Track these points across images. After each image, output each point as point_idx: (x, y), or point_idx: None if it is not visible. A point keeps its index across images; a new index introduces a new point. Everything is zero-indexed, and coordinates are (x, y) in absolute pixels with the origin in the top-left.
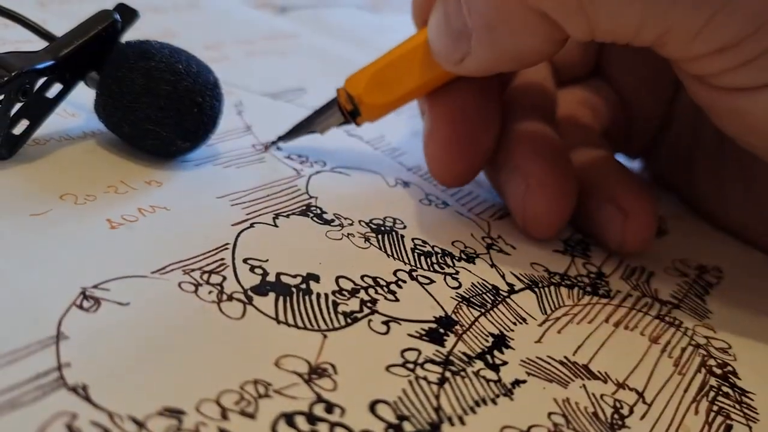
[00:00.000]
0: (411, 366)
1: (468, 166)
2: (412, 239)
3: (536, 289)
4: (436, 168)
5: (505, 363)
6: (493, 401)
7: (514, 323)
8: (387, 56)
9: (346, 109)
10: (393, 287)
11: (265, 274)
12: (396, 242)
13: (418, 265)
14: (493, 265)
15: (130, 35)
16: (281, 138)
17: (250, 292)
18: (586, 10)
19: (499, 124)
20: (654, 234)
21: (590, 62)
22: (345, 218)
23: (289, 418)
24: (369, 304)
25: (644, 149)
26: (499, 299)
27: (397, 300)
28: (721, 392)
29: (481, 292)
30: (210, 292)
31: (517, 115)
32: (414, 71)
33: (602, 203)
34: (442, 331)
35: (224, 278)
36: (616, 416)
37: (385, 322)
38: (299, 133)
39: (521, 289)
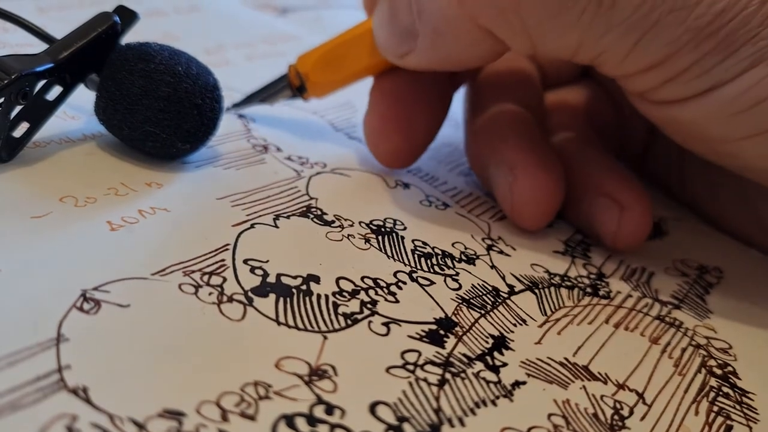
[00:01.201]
0: (411, 367)
1: (402, 145)
2: (413, 240)
3: (536, 291)
4: (371, 143)
5: (505, 364)
6: (493, 402)
7: (514, 324)
8: (337, 39)
9: (294, 84)
10: (393, 288)
11: (265, 275)
12: (396, 243)
13: (419, 267)
14: (493, 267)
15: (129, 39)
16: (235, 105)
17: (250, 294)
18: (529, 32)
19: (442, 109)
20: (649, 229)
21: (577, 65)
22: (345, 219)
23: (289, 419)
24: (369, 306)
25: (636, 152)
26: (499, 300)
27: (397, 301)
28: (721, 393)
29: (481, 294)
30: (210, 294)
31: (499, 107)
32: (360, 55)
33: (597, 197)
34: (442, 332)
35: (224, 279)
36: (616, 417)
37: (386, 324)
38: (251, 102)
39: (521, 291)
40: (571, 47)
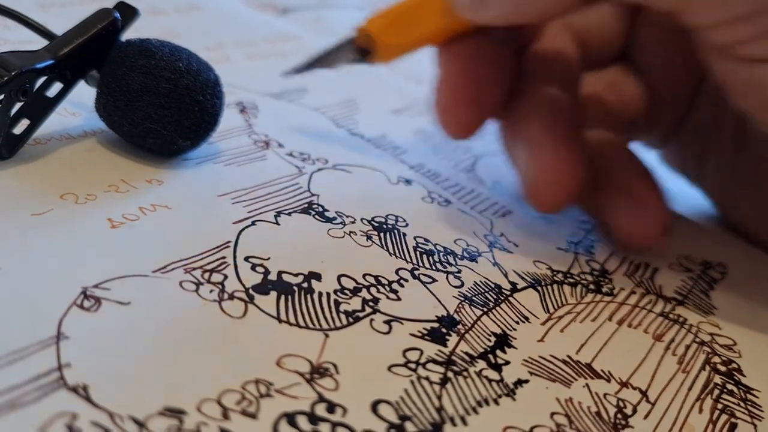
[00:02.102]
0: (413, 366)
1: (473, 116)
2: (414, 237)
3: (539, 288)
4: (443, 116)
5: (507, 363)
6: (496, 401)
7: (517, 322)
8: (407, 1)
9: (361, 46)
10: (395, 286)
11: (266, 272)
12: (398, 240)
13: (421, 264)
14: (495, 264)
15: (130, 37)
16: (296, 69)
17: (251, 291)
18: None
19: (509, 81)
20: (664, 229)
21: (619, 45)
22: (347, 216)
23: (290, 417)
24: (371, 303)
25: (660, 138)
26: (502, 298)
27: (399, 299)
28: (725, 390)
29: (483, 291)
30: (211, 291)
31: (536, 85)
32: (431, 17)
33: (616, 192)
34: (444, 330)
35: (225, 277)
36: (619, 416)
37: (387, 322)
38: (313, 67)
39: (524, 288)
40: None
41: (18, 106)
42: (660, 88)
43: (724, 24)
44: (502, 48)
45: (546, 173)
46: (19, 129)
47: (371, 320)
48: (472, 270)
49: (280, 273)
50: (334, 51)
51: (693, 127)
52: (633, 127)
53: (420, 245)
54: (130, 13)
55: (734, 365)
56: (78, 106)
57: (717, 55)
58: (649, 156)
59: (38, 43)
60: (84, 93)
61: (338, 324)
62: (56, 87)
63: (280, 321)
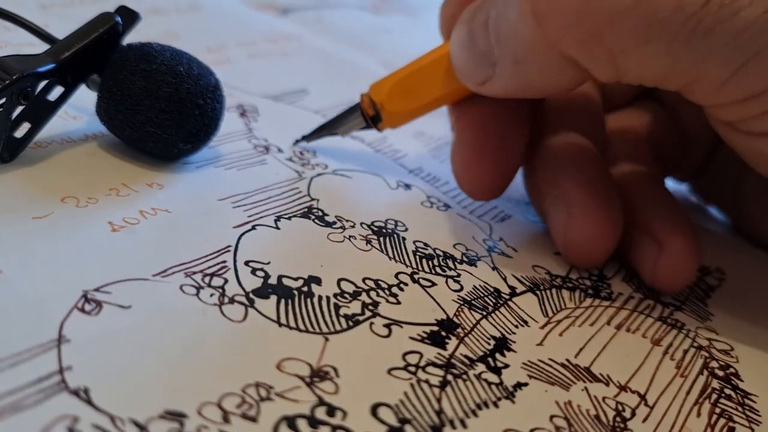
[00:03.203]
0: (413, 369)
1: (495, 178)
2: (414, 242)
3: (538, 292)
4: (462, 180)
5: (506, 366)
6: (495, 404)
7: (516, 326)
8: (411, 65)
9: (369, 114)
10: (395, 290)
11: (266, 276)
12: (397, 245)
13: (420, 268)
14: (494, 268)
15: (131, 37)
16: (304, 137)
17: (251, 295)
18: (615, 60)
19: (527, 136)
20: (692, 272)
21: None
22: (347, 220)
23: (290, 421)
24: (371, 307)
25: (694, 172)
26: (501, 302)
27: (398, 303)
28: (723, 394)
29: (482, 295)
30: (211, 295)
31: (561, 137)
32: (437, 82)
33: (639, 234)
34: (443, 334)
35: (226, 281)
36: (618, 419)
37: (387, 325)
38: (321, 134)
39: (523, 292)
40: (659, 75)
41: (19, 109)
42: (687, 123)
43: (730, 105)
44: (516, 103)
45: (587, 234)
46: (20, 132)
47: (371, 324)
48: (472, 274)
49: (280, 277)
50: (341, 118)
51: (725, 156)
52: (662, 163)
53: (419, 249)
54: (131, 17)
55: (732, 370)
56: (79, 109)
57: (725, 129)
58: (679, 188)
59: (39, 44)
60: (85, 97)
61: (338, 327)
62: (57, 91)
63: (280, 325)
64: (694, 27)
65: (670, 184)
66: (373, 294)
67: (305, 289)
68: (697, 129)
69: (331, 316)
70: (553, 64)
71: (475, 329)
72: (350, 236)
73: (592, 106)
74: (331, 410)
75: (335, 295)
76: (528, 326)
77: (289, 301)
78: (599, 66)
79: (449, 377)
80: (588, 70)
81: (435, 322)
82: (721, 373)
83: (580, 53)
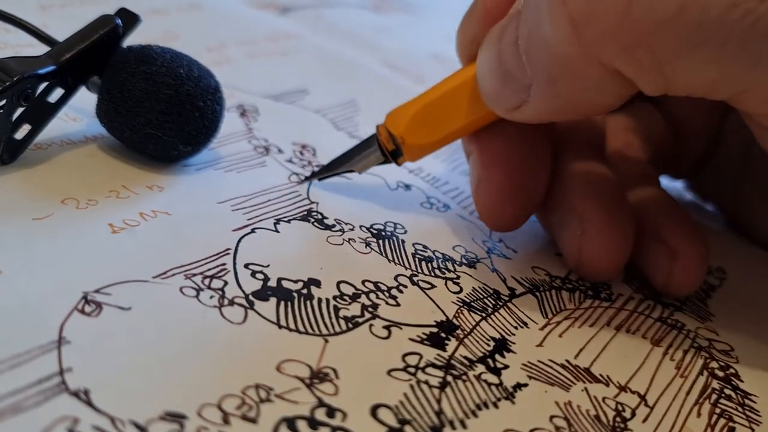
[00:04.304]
0: (412, 370)
1: (520, 211)
2: (413, 244)
3: (537, 293)
4: (487, 215)
5: (506, 367)
6: (495, 405)
7: (516, 327)
8: (431, 93)
9: (387, 149)
10: (394, 292)
11: (266, 279)
12: (397, 247)
13: (419, 270)
14: (494, 270)
15: (131, 37)
16: (315, 174)
17: (251, 297)
18: (663, 69)
19: (551, 167)
20: (701, 278)
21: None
22: (346, 223)
23: (290, 422)
24: (370, 309)
25: (690, 170)
26: (500, 303)
27: (398, 305)
28: (723, 395)
29: (482, 297)
30: (211, 297)
31: (568, 153)
32: (461, 110)
33: (650, 242)
34: (443, 335)
35: (225, 283)
36: (618, 419)
37: (387, 327)
38: (335, 171)
39: (522, 293)
40: (708, 84)
41: (19, 111)
42: (684, 126)
43: None
44: (539, 132)
45: (602, 250)
46: (20, 134)
47: (371, 325)
48: (471, 276)
49: (279, 279)
50: (355, 153)
51: (723, 156)
52: (660, 162)
53: (419, 252)
54: (131, 20)
55: (732, 370)
56: (79, 111)
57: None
58: (675, 186)
59: (39, 46)
60: (85, 99)
61: (338, 329)
62: (57, 93)
63: (280, 327)
64: (751, 26)
65: (665, 181)
66: (372, 296)
67: (305, 291)
68: (691, 128)
69: (330, 318)
70: (594, 79)
71: (475, 330)
72: (349, 239)
73: (595, 118)
74: (331, 411)
75: (335, 298)
76: (527, 327)
77: (289, 303)
78: (645, 76)
79: (449, 378)
80: (633, 82)
81: (434, 323)
82: (721, 374)
83: (624, 62)
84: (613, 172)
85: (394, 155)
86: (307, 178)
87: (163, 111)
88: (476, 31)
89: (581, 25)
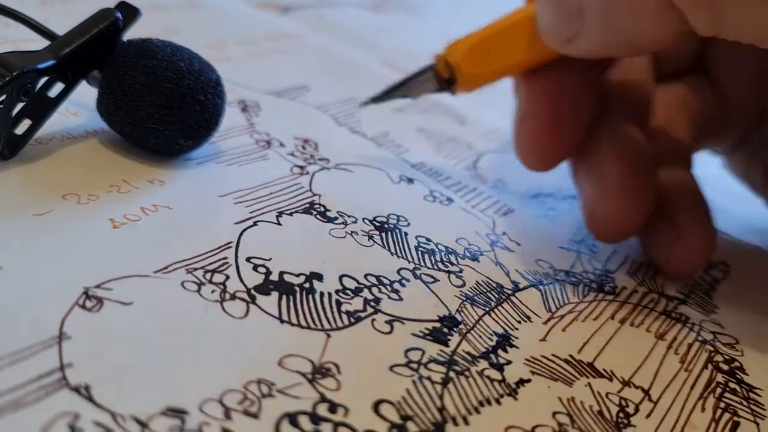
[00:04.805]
0: (415, 366)
1: (558, 150)
2: (416, 237)
3: (541, 287)
4: (525, 149)
5: (509, 362)
6: (498, 401)
7: (519, 321)
8: (491, 27)
9: (443, 77)
10: (396, 286)
11: (268, 273)
12: (399, 240)
13: (422, 263)
14: (497, 263)
15: (131, 33)
16: (374, 99)
17: (253, 291)
18: (717, 4)
19: (592, 117)
20: (703, 260)
21: (692, 58)
22: (348, 216)
23: (292, 417)
24: (372, 303)
25: (730, 148)
26: (504, 297)
27: (400, 299)
28: (728, 388)
29: (485, 291)
30: (213, 291)
31: (611, 114)
32: (517, 45)
33: (659, 219)
34: (446, 330)
35: (227, 277)
36: (621, 415)
37: (389, 322)
38: (392, 96)
39: (526, 287)
40: (760, 27)
41: (19, 106)
42: (732, 100)
43: None
44: (589, 75)
45: (613, 209)
46: (20, 129)
47: (373, 320)
48: (474, 269)
49: (281, 273)
50: (413, 79)
51: (762, 137)
52: (702, 136)
53: (422, 245)
54: (131, 13)
55: (737, 364)
56: (79, 106)
57: None
58: (713, 162)
59: (39, 41)
60: (85, 93)
61: (340, 324)
62: (58, 87)
63: (282, 321)
64: None
65: (704, 156)
66: (375, 290)
67: (307, 285)
68: (738, 104)
69: (332, 313)
70: (646, 9)
71: (478, 325)
72: (352, 232)
73: (645, 82)
74: (333, 407)
75: (337, 292)
76: (531, 322)
77: (291, 297)
78: (698, 13)
79: (451, 374)
80: (685, 18)
81: (437, 318)
82: (725, 367)
83: None
84: (649, 143)
85: (448, 83)
86: (366, 103)
87: (163, 105)
88: None
89: None
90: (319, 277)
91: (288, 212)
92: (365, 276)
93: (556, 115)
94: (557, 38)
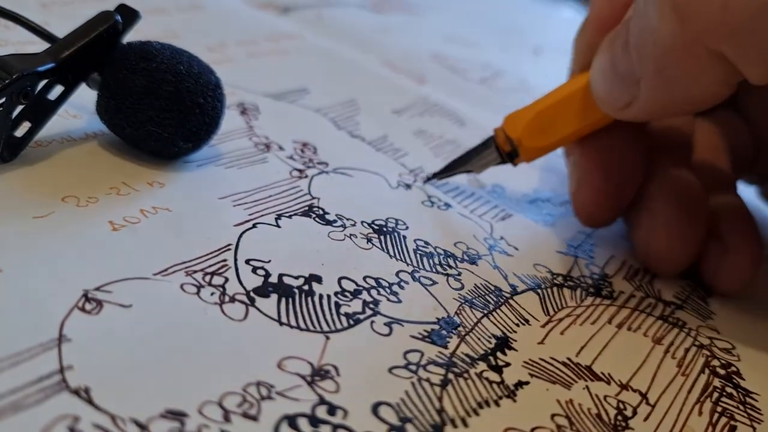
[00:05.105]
0: (413, 368)
1: (615, 209)
2: (415, 240)
3: (539, 291)
4: (584, 214)
5: (507, 364)
6: (496, 403)
7: (517, 324)
8: (546, 99)
9: (504, 150)
10: (395, 288)
11: (267, 275)
12: (398, 243)
13: (421, 266)
14: (495, 267)
15: (132, 36)
16: (436, 175)
17: (252, 294)
18: (766, 52)
19: (645, 169)
20: (753, 276)
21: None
22: (347, 219)
23: (291, 420)
24: (371, 306)
25: (764, 177)
26: (502, 300)
27: (399, 301)
28: (725, 393)
29: (483, 294)
30: (212, 294)
31: (658, 156)
32: (574, 115)
33: (709, 238)
34: (444, 332)
35: (226, 279)
36: (619, 418)
37: (388, 324)
38: (455, 171)
39: (524, 291)
40: None
41: (19, 108)
42: (763, 132)
43: None
44: (638, 137)
45: (665, 245)
46: (20, 132)
47: (372, 322)
48: (473, 273)
49: (280, 275)
50: (475, 153)
51: None
52: (738, 166)
53: (420, 248)
54: (131, 16)
55: (733, 368)
56: (79, 108)
57: None
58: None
59: (39, 43)
60: (85, 95)
61: (339, 326)
62: (57, 90)
63: (281, 323)
64: None
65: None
66: (374, 292)
67: (306, 287)
68: None
69: (331, 315)
70: (699, 65)
71: (476, 328)
72: (351, 234)
73: (685, 124)
74: (332, 409)
75: (336, 294)
76: (529, 325)
77: (290, 299)
78: (750, 60)
79: (450, 376)
80: (738, 68)
81: (436, 320)
82: (722, 372)
83: (729, 47)
84: (696, 176)
85: (510, 156)
86: (428, 179)
87: (163, 108)
88: (590, 40)
89: (685, 10)
90: (318, 279)
91: (287, 215)
92: (364, 278)
93: (611, 180)
94: (614, 105)
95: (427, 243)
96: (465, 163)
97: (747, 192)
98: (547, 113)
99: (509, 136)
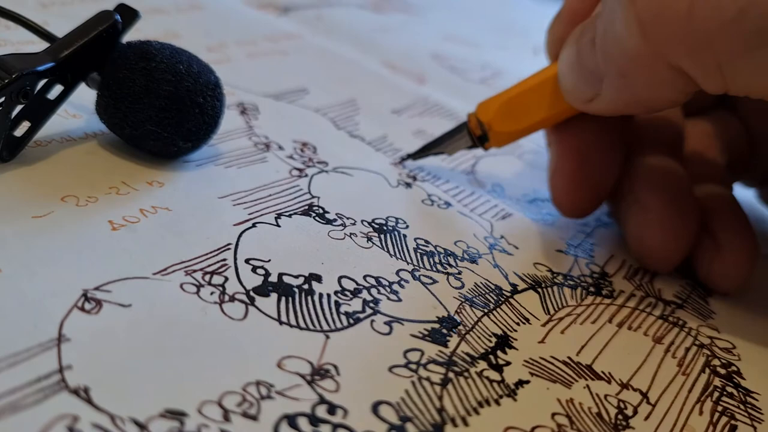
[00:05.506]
0: (414, 367)
1: (591, 198)
2: (415, 239)
3: (539, 290)
4: (560, 200)
5: (508, 363)
6: (497, 402)
7: (518, 323)
8: (518, 86)
9: (476, 134)
10: (395, 287)
11: (267, 274)
12: (398, 242)
13: (421, 265)
14: (495, 266)
15: (131, 36)
16: (410, 156)
17: (252, 293)
18: (723, 69)
19: (622, 159)
20: (747, 274)
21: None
22: (347, 218)
23: (291, 419)
24: (371, 305)
25: (761, 179)
26: (502, 299)
27: (399, 300)
28: (725, 392)
29: (483, 292)
30: (212, 293)
31: (643, 147)
32: (542, 103)
33: (702, 234)
34: (444, 331)
35: (226, 279)
36: (620, 417)
37: (388, 323)
38: (427, 153)
39: (524, 290)
40: (766, 85)
41: (19, 108)
42: (759, 133)
43: None
44: (614, 126)
45: (659, 239)
46: (19, 131)
47: (372, 321)
48: (473, 271)
49: (280, 275)
50: (448, 137)
51: None
52: (735, 169)
53: (420, 247)
54: (130, 15)
55: (734, 368)
56: (79, 108)
57: None
58: (746, 194)
59: (39, 43)
60: (85, 95)
61: (339, 325)
62: (57, 89)
63: (281, 323)
64: None
65: (738, 189)
66: (374, 291)
67: (306, 286)
68: (766, 137)
69: (331, 314)
70: (660, 76)
71: (477, 327)
72: (351, 233)
73: (674, 117)
74: (332, 408)
75: (336, 293)
76: (529, 324)
77: (290, 298)
78: (707, 75)
79: (450, 375)
80: (695, 81)
81: (436, 319)
82: (723, 371)
83: (688, 62)
84: (686, 171)
85: (481, 140)
86: (403, 159)
87: (162, 107)
88: (561, 32)
89: (649, 26)
90: (318, 278)
91: (287, 214)
92: (364, 277)
93: (585, 169)
94: (579, 98)
95: (427, 242)
96: (438, 145)
97: (746, 194)
98: (517, 100)
99: (481, 120)
